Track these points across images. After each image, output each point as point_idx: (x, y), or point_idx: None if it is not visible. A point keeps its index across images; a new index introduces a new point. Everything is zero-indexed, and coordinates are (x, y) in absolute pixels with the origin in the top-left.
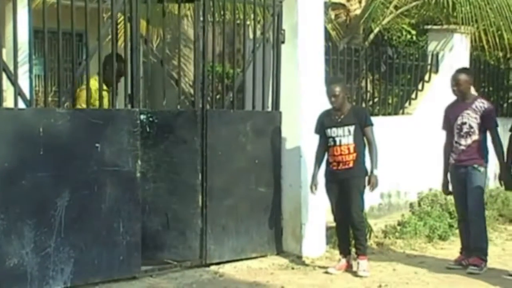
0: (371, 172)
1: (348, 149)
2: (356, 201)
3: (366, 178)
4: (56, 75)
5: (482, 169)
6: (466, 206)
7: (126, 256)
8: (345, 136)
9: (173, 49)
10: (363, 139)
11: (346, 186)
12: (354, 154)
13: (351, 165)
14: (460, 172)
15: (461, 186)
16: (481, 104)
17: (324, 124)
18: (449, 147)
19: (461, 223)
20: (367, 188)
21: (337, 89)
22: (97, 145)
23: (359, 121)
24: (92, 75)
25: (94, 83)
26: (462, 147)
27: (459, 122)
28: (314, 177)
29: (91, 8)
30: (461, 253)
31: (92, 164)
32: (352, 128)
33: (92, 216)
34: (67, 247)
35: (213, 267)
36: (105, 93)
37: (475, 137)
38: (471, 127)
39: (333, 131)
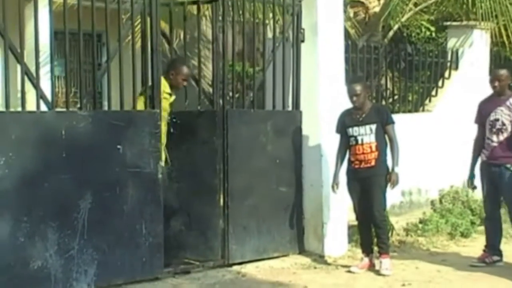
0: (392, 169)
1: (370, 147)
2: (378, 199)
3: (387, 176)
4: (76, 76)
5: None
6: (495, 205)
7: (148, 257)
8: (367, 135)
9: (192, 49)
10: (384, 137)
11: (368, 185)
12: (376, 153)
13: (373, 163)
14: (492, 170)
15: (492, 185)
16: None
17: (345, 123)
18: (480, 142)
19: (487, 221)
20: (388, 186)
21: (358, 88)
22: (118, 146)
23: (381, 120)
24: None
25: (161, 85)
26: (494, 144)
27: (492, 118)
28: (335, 176)
29: (110, 9)
30: (484, 251)
31: (114, 165)
32: (373, 126)
33: (114, 217)
34: (90, 249)
35: (235, 267)
36: (167, 96)
37: (507, 134)
38: (503, 124)
39: (354, 130)
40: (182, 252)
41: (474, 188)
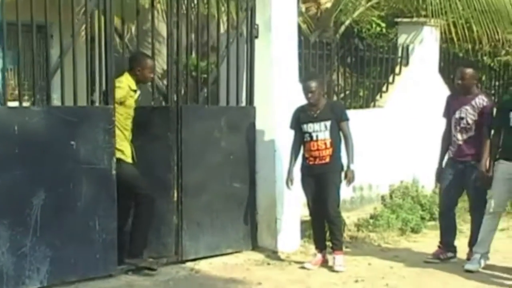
0: (348, 167)
1: (325, 144)
2: (333, 196)
3: (343, 173)
4: (27, 70)
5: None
6: (452, 201)
7: (102, 254)
8: (321, 131)
9: (142, 43)
10: (339, 134)
11: (323, 181)
12: (331, 149)
13: (327, 160)
14: (458, 167)
15: (454, 181)
16: (481, 101)
17: (299, 119)
18: (447, 136)
19: (442, 218)
20: (343, 183)
21: (314, 85)
22: (72, 142)
23: (335, 116)
24: (123, 73)
25: (125, 81)
26: (459, 142)
27: (457, 116)
28: (290, 172)
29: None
30: (439, 247)
31: (68, 162)
32: (328, 123)
33: (68, 214)
34: (43, 246)
35: (189, 264)
36: (132, 93)
37: (471, 133)
38: (468, 123)
39: (309, 127)
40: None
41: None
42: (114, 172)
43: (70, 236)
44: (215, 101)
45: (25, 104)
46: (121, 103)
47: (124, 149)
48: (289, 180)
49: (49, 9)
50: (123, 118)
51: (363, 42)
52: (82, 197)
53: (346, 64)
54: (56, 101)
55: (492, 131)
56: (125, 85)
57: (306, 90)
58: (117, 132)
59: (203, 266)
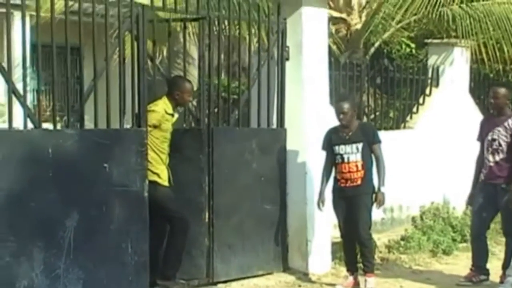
0: (378, 189)
1: (356, 166)
2: (364, 218)
3: (373, 195)
4: (61, 93)
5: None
6: (484, 224)
7: (134, 276)
8: (353, 153)
9: (174, 66)
10: (370, 156)
11: (354, 203)
12: (362, 171)
13: (359, 182)
14: (488, 190)
15: (485, 204)
16: None
17: (331, 141)
18: (482, 159)
19: (474, 241)
20: (374, 205)
21: (346, 106)
22: (105, 165)
23: (367, 138)
24: (161, 97)
25: (161, 105)
26: (491, 164)
27: (489, 137)
28: (321, 193)
29: (87, 23)
30: (471, 269)
31: (101, 184)
32: (360, 145)
33: (100, 236)
34: (76, 268)
35: (220, 286)
36: (169, 117)
37: (503, 155)
38: (500, 144)
39: (341, 148)
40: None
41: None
42: (146, 194)
43: (102, 258)
44: (246, 123)
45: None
46: (156, 127)
47: (161, 172)
48: (320, 201)
49: (82, 31)
50: (159, 141)
51: (393, 63)
52: (115, 219)
53: (376, 85)
54: (88, 122)
55: None
56: (161, 108)
57: (339, 111)
58: (153, 155)
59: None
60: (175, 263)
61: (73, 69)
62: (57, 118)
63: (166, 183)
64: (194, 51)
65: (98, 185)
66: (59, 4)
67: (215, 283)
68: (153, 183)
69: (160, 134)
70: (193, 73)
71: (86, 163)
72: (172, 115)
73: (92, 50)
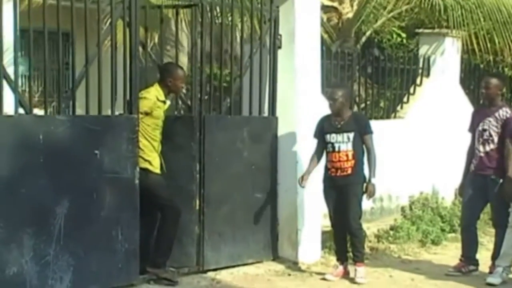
0: (369, 180)
1: (347, 155)
2: (354, 208)
3: (364, 185)
4: (52, 79)
5: (500, 179)
6: (474, 215)
7: (124, 263)
8: (344, 143)
9: (165, 53)
10: (362, 146)
11: (344, 193)
12: (353, 161)
13: (349, 172)
14: (478, 180)
15: (475, 195)
16: (504, 113)
17: (323, 129)
18: (472, 151)
19: (464, 232)
20: (364, 196)
21: (337, 94)
22: (96, 152)
23: (359, 129)
24: (153, 84)
25: (153, 92)
26: (481, 154)
27: (480, 128)
28: (307, 172)
29: (79, 8)
30: (461, 260)
31: (92, 171)
32: (351, 135)
33: (91, 223)
34: (66, 255)
35: (210, 274)
36: (160, 104)
37: (494, 145)
38: (490, 135)
39: (332, 137)
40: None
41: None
42: (137, 181)
43: (93, 245)
44: (238, 111)
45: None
46: (148, 114)
47: (152, 159)
48: (302, 176)
49: (74, 17)
50: (151, 129)
51: (383, 53)
52: (106, 206)
53: (367, 75)
54: (78, 109)
55: None
56: (153, 95)
57: (329, 97)
58: (145, 142)
59: (224, 276)
60: (166, 251)
61: (64, 55)
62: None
63: (158, 171)
64: (184, 39)
65: (89, 172)
66: None
67: (205, 271)
68: (144, 170)
69: (151, 121)
70: (183, 60)
71: (77, 149)
72: (164, 102)
73: (83, 36)
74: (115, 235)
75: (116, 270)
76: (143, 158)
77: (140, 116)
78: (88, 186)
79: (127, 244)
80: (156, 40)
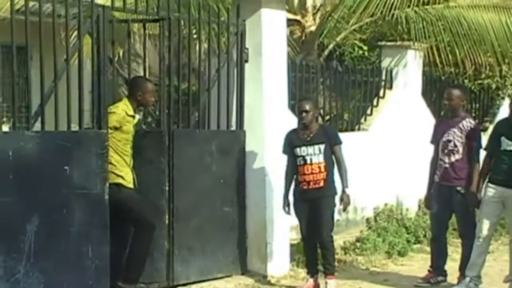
0: (343, 191)
1: (319, 167)
2: (327, 220)
3: (337, 197)
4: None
5: (465, 190)
6: (443, 226)
7: (94, 280)
8: (315, 155)
9: (124, 66)
10: (332, 157)
11: (317, 206)
12: (325, 173)
13: (321, 184)
14: (443, 191)
15: (441, 206)
16: (468, 124)
17: (293, 143)
18: (436, 162)
19: (433, 242)
20: (339, 207)
21: (308, 106)
22: (66, 167)
23: (329, 140)
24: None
25: (122, 107)
26: (446, 165)
27: (444, 139)
28: (285, 196)
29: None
30: (429, 271)
31: (61, 187)
32: (322, 146)
33: (61, 240)
34: (36, 273)
35: None
36: (130, 119)
37: (458, 156)
38: (455, 145)
39: (303, 150)
40: None
41: (430, 208)
42: (107, 197)
43: (63, 262)
44: (207, 126)
45: (5, 128)
46: (117, 129)
47: (125, 175)
48: (286, 205)
49: (29, 31)
50: (122, 144)
51: (342, 65)
52: (76, 222)
53: (331, 87)
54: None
55: (485, 154)
56: (121, 110)
57: (300, 109)
58: (117, 157)
59: None
60: (139, 267)
61: (21, 69)
62: (4, 119)
63: (131, 185)
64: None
65: (59, 188)
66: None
67: (175, 286)
68: (117, 186)
69: (122, 136)
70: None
71: (47, 165)
72: (133, 117)
73: (40, 50)
74: (85, 252)
75: (86, 287)
76: (115, 174)
77: (110, 131)
78: (58, 203)
79: (97, 260)
80: (121, 54)
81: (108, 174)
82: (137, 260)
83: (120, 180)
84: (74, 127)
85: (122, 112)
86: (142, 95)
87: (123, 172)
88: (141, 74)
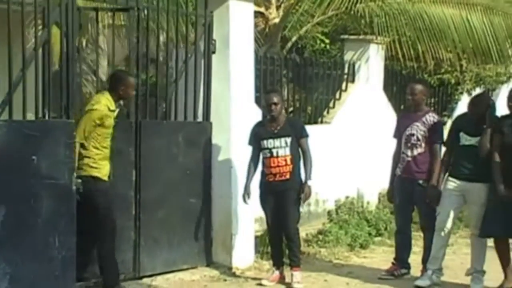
0: (305, 182)
1: (285, 160)
2: (293, 212)
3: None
4: None
5: (426, 184)
6: (406, 219)
7: (61, 271)
8: (282, 148)
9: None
10: (298, 150)
11: (283, 198)
12: (291, 166)
13: (288, 176)
14: (405, 185)
15: (404, 199)
16: (431, 118)
17: (259, 135)
18: (398, 156)
19: (398, 235)
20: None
21: (276, 98)
22: (33, 157)
23: (295, 133)
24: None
25: (104, 102)
26: (408, 158)
27: (407, 132)
28: (247, 187)
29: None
30: (393, 263)
31: (29, 177)
32: (289, 139)
33: (28, 230)
34: (2, 263)
35: (145, 280)
36: (111, 113)
37: (421, 149)
38: (418, 139)
39: (269, 143)
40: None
41: (392, 202)
42: (74, 187)
43: (30, 252)
44: (174, 117)
45: None
46: (100, 125)
47: (102, 168)
48: (246, 194)
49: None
50: (102, 138)
51: (305, 58)
52: (43, 212)
53: (294, 80)
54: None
55: (444, 149)
56: (103, 106)
57: (269, 102)
58: (96, 151)
59: (160, 282)
60: (113, 268)
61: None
62: None
63: (106, 178)
64: (103, 42)
65: (27, 178)
66: None
67: (141, 278)
68: (94, 178)
69: (103, 131)
70: (103, 64)
71: (14, 155)
72: (114, 111)
73: (8, 38)
74: (52, 242)
75: (52, 278)
76: (92, 166)
77: (92, 125)
78: (25, 192)
79: (64, 251)
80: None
81: (84, 166)
82: (109, 262)
83: (96, 173)
84: (31, 116)
85: (105, 108)
86: (124, 89)
87: (101, 165)
88: (104, 65)
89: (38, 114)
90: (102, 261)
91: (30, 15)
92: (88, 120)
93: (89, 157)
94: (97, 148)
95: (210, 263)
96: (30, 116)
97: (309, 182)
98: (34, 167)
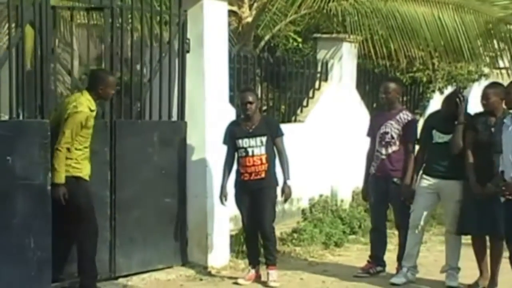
0: (284, 182)
1: (261, 159)
2: (268, 211)
3: (279, 188)
4: None
5: (400, 182)
6: (381, 217)
7: (37, 272)
8: (257, 147)
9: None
10: (273, 149)
11: (258, 197)
12: (266, 165)
13: (263, 175)
14: (379, 183)
15: (379, 197)
16: (405, 116)
17: (234, 134)
18: (372, 154)
19: (373, 233)
20: (280, 198)
21: (252, 97)
22: (8, 158)
23: (271, 132)
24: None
25: (85, 103)
26: (383, 157)
27: (381, 131)
28: (223, 187)
29: None
30: (369, 261)
31: (4, 177)
32: (264, 138)
33: (3, 231)
34: None
35: (121, 280)
36: (92, 114)
37: (395, 148)
38: (392, 137)
39: (245, 142)
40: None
41: (366, 200)
42: (49, 187)
43: (5, 253)
44: (149, 116)
45: None
46: (83, 126)
47: (84, 167)
48: (223, 196)
49: None
50: (84, 139)
51: (277, 57)
52: (18, 213)
53: (267, 79)
54: None
55: (418, 147)
56: (85, 107)
57: (244, 100)
58: (79, 152)
59: (136, 282)
60: (92, 269)
61: None
62: None
63: (87, 178)
64: (75, 41)
65: (1, 179)
66: None
67: (117, 278)
68: (76, 178)
69: (85, 131)
70: (75, 64)
71: None
72: (94, 110)
73: None
74: (27, 243)
75: (28, 279)
76: (75, 167)
77: (79, 127)
78: (1, 193)
79: (39, 252)
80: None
81: (66, 167)
82: (87, 263)
83: (77, 173)
84: (3, 116)
85: (87, 110)
86: (103, 89)
87: (83, 165)
88: (76, 64)
89: (13, 114)
90: (82, 261)
91: (3, 13)
92: (74, 123)
93: (71, 158)
94: (80, 150)
95: (185, 263)
96: (3, 116)
97: (289, 182)
98: (9, 167)
